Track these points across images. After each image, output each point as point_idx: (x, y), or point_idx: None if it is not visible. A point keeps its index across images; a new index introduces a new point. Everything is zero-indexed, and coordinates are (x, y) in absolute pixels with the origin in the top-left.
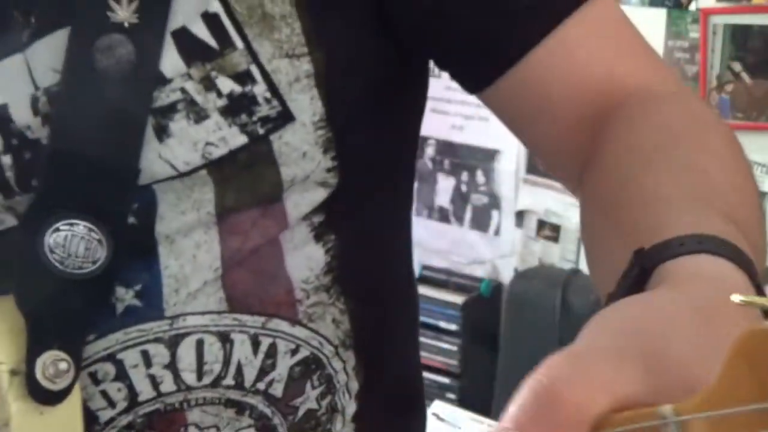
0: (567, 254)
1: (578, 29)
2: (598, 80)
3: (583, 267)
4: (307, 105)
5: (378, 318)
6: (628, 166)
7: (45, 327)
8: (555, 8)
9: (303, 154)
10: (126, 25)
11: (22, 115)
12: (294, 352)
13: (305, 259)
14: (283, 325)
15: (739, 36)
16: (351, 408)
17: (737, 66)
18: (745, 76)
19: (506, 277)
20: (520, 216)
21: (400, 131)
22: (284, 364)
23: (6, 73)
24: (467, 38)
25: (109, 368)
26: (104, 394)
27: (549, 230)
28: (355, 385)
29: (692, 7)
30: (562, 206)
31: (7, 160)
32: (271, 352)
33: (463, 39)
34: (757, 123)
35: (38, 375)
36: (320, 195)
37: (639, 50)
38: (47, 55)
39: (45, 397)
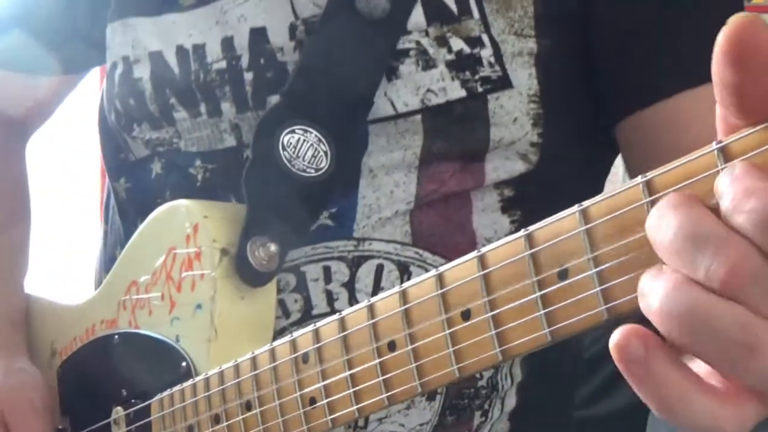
0: None
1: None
2: None
3: None
4: (525, 78)
5: None
6: None
7: (262, 213)
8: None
9: (514, 120)
10: None
11: (278, 38)
12: None
13: (491, 222)
14: None
15: None
16: (511, 400)
17: None
18: None
19: None
20: None
21: (596, 132)
22: None
23: (271, 2)
24: (632, 65)
25: (291, 279)
26: (282, 303)
27: None
28: (518, 373)
29: None
30: None
31: (249, 76)
32: None
33: (628, 65)
34: None
35: (249, 254)
36: (519, 167)
37: None
38: None
39: (251, 278)
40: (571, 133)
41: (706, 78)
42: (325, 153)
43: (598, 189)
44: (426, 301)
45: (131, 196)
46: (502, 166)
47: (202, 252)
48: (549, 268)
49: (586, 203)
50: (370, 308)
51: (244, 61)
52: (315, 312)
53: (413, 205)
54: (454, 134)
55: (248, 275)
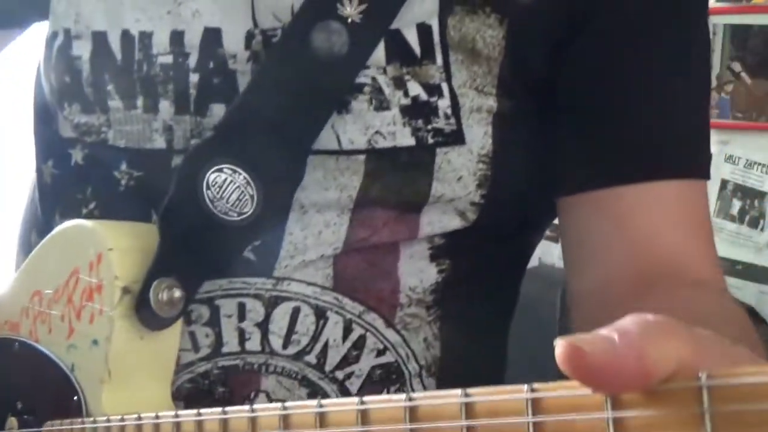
0: None
1: (670, 194)
2: (658, 253)
3: None
4: (479, 136)
5: (468, 358)
6: None
7: (173, 253)
8: (662, 164)
9: (459, 178)
10: (349, 21)
11: (233, 44)
12: (380, 353)
13: (418, 270)
14: (378, 322)
15: (739, 36)
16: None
17: (737, 66)
18: (745, 76)
19: None
20: None
21: (541, 200)
22: (368, 361)
23: (231, 3)
24: (592, 141)
25: (204, 311)
26: (192, 336)
27: (549, 230)
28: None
29: None
30: None
31: (195, 78)
32: (359, 344)
33: (587, 140)
34: (757, 123)
35: (151, 297)
36: (455, 224)
37: (712, 249)
38: (273, 0)
39: (151, 321)
40: (514, 197)
41: (654, 175)
42: (251, 197)
43: (533, 244)
44: None
45: (55, 185)
46: (438, 221)
47: (103, 286)
48: None
49: (472, 393)
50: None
51: (192, 61)
52: (225, 350)
53: (340, 251)
54: (395, 182)
55: (148, 318)
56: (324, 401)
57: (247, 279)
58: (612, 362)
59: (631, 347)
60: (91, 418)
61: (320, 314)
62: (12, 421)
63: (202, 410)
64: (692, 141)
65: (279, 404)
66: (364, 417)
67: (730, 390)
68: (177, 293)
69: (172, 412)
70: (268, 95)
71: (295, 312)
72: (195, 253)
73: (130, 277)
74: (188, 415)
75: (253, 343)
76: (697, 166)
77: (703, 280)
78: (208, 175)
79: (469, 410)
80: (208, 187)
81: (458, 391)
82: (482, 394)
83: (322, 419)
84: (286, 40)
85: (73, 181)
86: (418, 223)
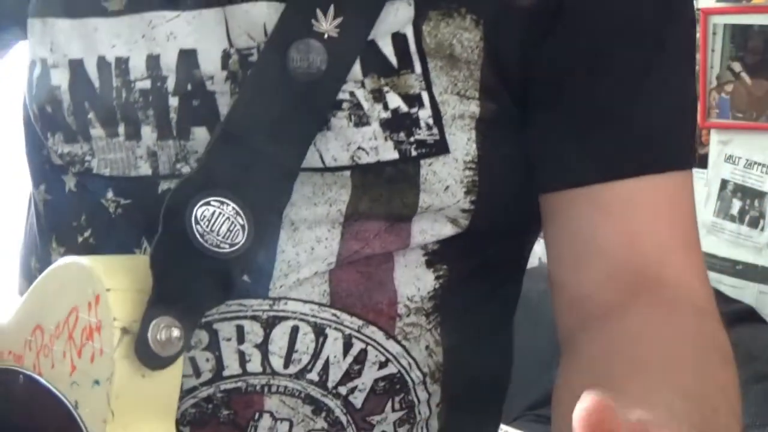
0: None
1: (655, 192)
2: (643, 253)
3: None
4: (463, 143)
5: (472, 361)
6: (626, 372)
7: (168, 292)
8: (651, 158)
9: (446, 188)
10: (325, 36)
11: (209, 65)
12: (382, 365)
13: (414, 278)
14: (378, 335)
15: (739, 36)
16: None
17: (737, 66)
18: (745, 76)
19: None
20: None
21: (531, 201)
22: (370, 374)
23: (204, 23)
24: (578, 136)
25: (204, 336)
26: (193, 361)
27: None
28: (435, 425)
29: None
30: None
31: (174, 101)
32: (360, 359)
33: (578, 136)
34: (757, 123)
35: (150, 338)
36: (447, 231)
37: (691, 248)
38: (245, 19)
39: (151, 361)
40: (504, 200)
41: (647, 168)
42: (242, 227)
43: (531, 243)
44: None
45: (48, 211)
46: (430, 229)
47: (102, 327)
48: None
49: None
50: None
51: (170, 84)
52: (226, 373)
53: (334, 265)
54: (383, 195)
55: (149, 358)
56: None
57: (243, 301)
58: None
59: None
60: None
61: (319, 331)
62: None
63: None
64: (671, 134)
65: None
66: None
67: None
68: (175, 332)
69: None
70: (249, 120)
71: (294, 331)
72: (191, 289)
73: (128, 318)
74: None
75: (254, 365)
76: (675, 157)
77: (682, 296)
78: (195, 210)
79: None
80: (197, 222)
81: None
82: None
83: None
84: (264, 62)
85: (68, 207)
86: (409, 233)
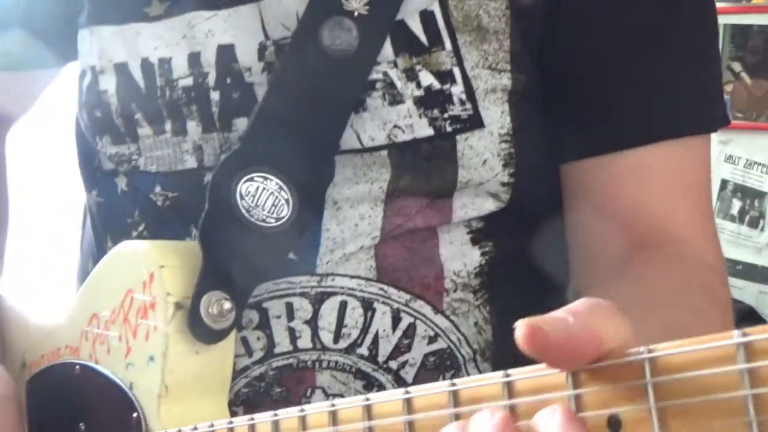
0: None
1: (659, 159)
2: (652, 215)
3: None
4: (497, 117)
5: None
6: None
7: (218, 267)
8: (662, 126)
9: (483, 162)
10: (355, 14)
11: (246, 58)
12: (432, 339)
13: (460, 254)
14: (426, 309)
15: (739, 36)
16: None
17: (737, 66)
18: (745, 76)
19: None
20: None
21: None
22: (420, 349)
23: (240, 19)
24: (596, 106)
25: (254, 316)
26: (245, 341)
27: None
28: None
29: None
30: None
31: (215, 95)
32: (410, 333)
33: (592, 106)
34: (757, 123)
35: (202, 311)
36: (489, 206)
37: (701, 211)
38: (279, 10)
39: (204, 335)
40: (542, 171)
41: (653, 137)
42: (287, 201)
43: None
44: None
45: (102, 213)
46: (471, 204)
47: (156, 303)
48: None
49: (512, 373)
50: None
51: (211, 79)
52: (277, 350)
53: (378, 239)
54: (421, 172)
55: (202, 332)
56: (371, 395)
57: (291, 279)
58: (567, 339)
59: (582, 325)
60: None
61: (367, 306)
62: None
63: (255, 415)
64: (691, 98)
65: (327, 402)
66: (409, 406)
67: (669, 361)
68: (227, 305)
69: (226, 420)
70: (286, 99)
71: (343, 306)
72: (240, 264)
73: (181, 293)
74: (241, 420)
75: (305, 341)
76: (688, 124)
77: (689, 252)
78: (239, 185)
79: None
80: (242, 198)
81: (499, 373)
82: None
83: (369, 412)
84: (298, 42)
85: (120, 206)
86: (451, 208)
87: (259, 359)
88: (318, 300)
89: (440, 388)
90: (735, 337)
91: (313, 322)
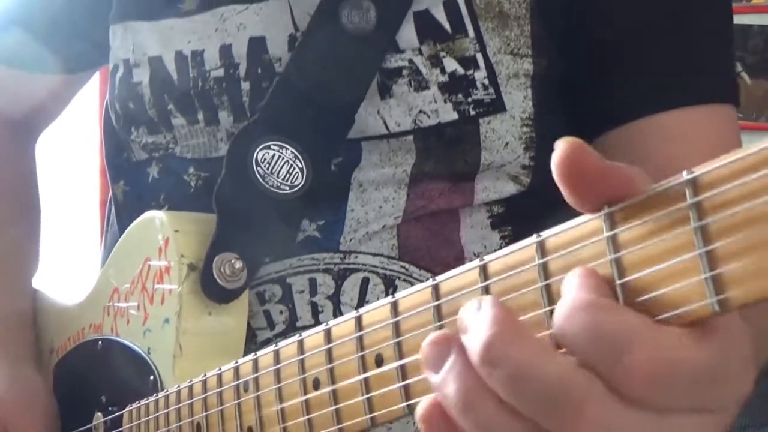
0: None
1: (693, 122)
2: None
3: None
4: (519, 101)
5: None
6: None
7: (232, 230)
8: (689, 91)
9: (506, 144)
10: None
11: (277, 48)
12: None
13: (480, 237)
14: None
15: (739, 36)
16: None
17: (737, 66)
18: (745, 76)
19: None
20: None
21: None
22: None
23: (270, 11)
24: (621, 80)
25: (277, 290)
26: (267, 314)
27: None
28: None
29: None
30: None
31: (246, 85)
32: None
33: (619, 75)
34: (757, 123)
35: (214, 271)
36: (509, 189)
37: None
38: (308, 2)
39: (216, 294)
40: None
41: (681, 101)
42: (301, 170)
43: None
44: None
45: (128, 200)
46: (492, 187)
47: (171, 266)
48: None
49: (488, 259)
50: (300, 343)
51: (242, 70)
52: (299, 324)
53: (401, 220)
54: (445, 156)
55: (214, 291)
56: (361, 309)
57: (315, 255)
58: (608, 166)
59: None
60: (165, 390)
61: (389, 283)
62: (98, 416)
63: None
64: (715, 68)
65: (324, 324)
66: (395, 308)
67: (711, 177)
68: (238, 264)
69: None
70: (305, 73)
71: (365, 282)
72: (253, 229)
73: (195, 255)
74: (266, 351)
75: (327, 316)
76: (722, 91)
77: None
78: (256, 153)
79: (485, 271)
80: (257, 164)
81: (476, 261)
82: (496, 257)
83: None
84: (318, 19)
85: (148, 192)
86: (473, 190)
87: (281, 332)
88: (341, 276)
89: (424, 285)
90: None
91: (335, 297)
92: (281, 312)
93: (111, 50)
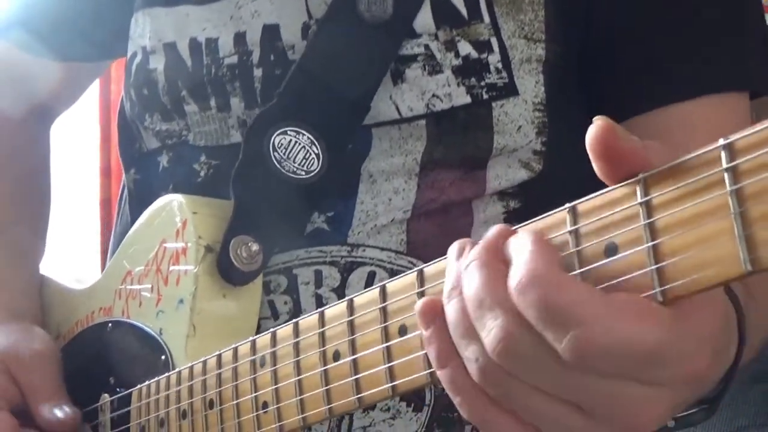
0: None
1: (712, 112)
2: None
3: None
4: (531, 86)
5: None
6: None
7: (248, 213)
8: (705, 80)
9: (518, 128)
10: None
11: (290, 36)
12: None
13: None
14: None
15: None
16: None
17: None
18: None
19: None
20: None
21: None
22: None
23: (285, 0)
24: (633, 68)
25: (282, 281)
26: (271, 304)
27: None
28: None
29: None
30: None
31: (258, 72)
32: None
33: (636, 65)
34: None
35: (231, 254)
36: (521, 176)
37: None
38: None
39: (232, 276)
40: (574, 141)
41: (701, 90)
42: (317, 155)
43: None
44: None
45: (139, 188)
46: (504, 174)
47: (188, 247)
48: None
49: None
50: (321, 315)
51: (255, 57)
52: (303, 315)
53: (410, 214)
54: (457, 141)
55: (230, 273)
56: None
57: (322, 247)
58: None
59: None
60: (176, 369)
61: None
62: (104, 397)
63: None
64: (727, 56)
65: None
66: (421, 277)
67: (747, 142)
68: (254, 247)
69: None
70: (322, 60)
71: (371, 276)
72: (269, 212)
73: (212, 237)
74: (286, 325)
75: None
76: (731, 79)
77: None
78: (273, 138)
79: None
80: (274, 149)
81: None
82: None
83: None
84: (336, 6)
85: (158, 181)
86: (485, 179)
87: (285, 322)
88: (347, 269)
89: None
90: None
91: (340, 290)
92: (285, 303)
93: (130, 38)
